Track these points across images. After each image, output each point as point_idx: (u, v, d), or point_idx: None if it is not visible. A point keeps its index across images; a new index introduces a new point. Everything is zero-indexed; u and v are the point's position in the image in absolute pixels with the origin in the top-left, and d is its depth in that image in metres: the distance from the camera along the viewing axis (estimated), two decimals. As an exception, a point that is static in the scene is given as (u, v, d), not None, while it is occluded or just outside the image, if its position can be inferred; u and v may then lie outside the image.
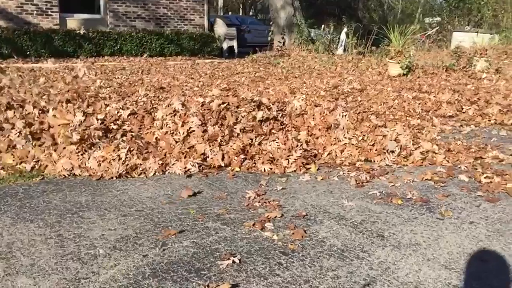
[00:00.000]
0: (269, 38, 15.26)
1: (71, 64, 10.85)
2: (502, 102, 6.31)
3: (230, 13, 36.17)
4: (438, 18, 28.57)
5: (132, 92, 6.12)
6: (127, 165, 3.62)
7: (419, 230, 2.75)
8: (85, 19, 13.23)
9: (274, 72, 10.40)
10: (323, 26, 21.13)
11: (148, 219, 2.80)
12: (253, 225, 2.74)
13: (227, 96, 4.59)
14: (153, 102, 4.49)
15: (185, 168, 3.74)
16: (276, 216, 2.88)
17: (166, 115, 4.11)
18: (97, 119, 3.89)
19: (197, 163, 3.78)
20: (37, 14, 12.38)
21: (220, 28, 16.04)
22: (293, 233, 2.64)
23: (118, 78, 8.47)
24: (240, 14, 36.46)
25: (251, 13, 38.64)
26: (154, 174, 3.66)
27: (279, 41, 14.61)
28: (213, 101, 4.34)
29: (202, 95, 5.81)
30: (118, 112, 4.08)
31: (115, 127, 3.86)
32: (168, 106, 4.22)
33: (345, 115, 4.51)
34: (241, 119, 4.19)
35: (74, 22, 12.96)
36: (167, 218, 2.83)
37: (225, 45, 15.93)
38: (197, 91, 6.67)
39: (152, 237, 2.56)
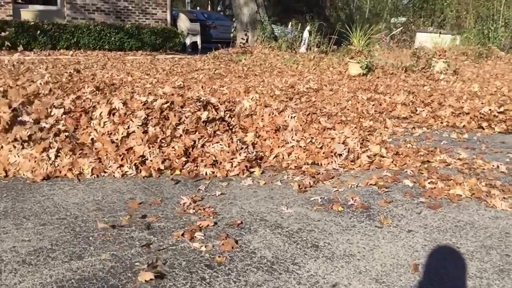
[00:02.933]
0: (231, 35, 15.05)
1: (23, 57, 10.40)
2: (455, 105, 6.34)
3: (198, 8, 35.71)
4: (403, 19, 29.00)
5: (78, 88, 5.85)
6: (57, 166, 3.40)
7: (355, 239, 2.65)
8: (40, 10, 12.73)
9: (234, 70, 10.24)
10: (290, 23, 21.07)
11: (69, 229, 2.60)
12: (182, 235, 2.58)
13: (172, 95, 4.40)
14: (93, 100, 4.26)
15: (122, 171, 3.55)
16: (208, 225, 2.72)
17: (105, 115, 3.89)
18: (28, 117, 3.65)
19: (135, 166, 3.59)
20: (-12, 4, 11.85)
21: (183, 23, 15.76)
22: (223, 244, 2.50)
23: (70, 72, 8.12)
24: (209, 9, 36.07)
25: (219, 9, 38.28)
26: (89, 176, 3.46)
27: (242, 38, 14.44)
28: (156, 100, 4.15)
29: (152, 93, 5.60)
30: (51, 111, 3.84)
31: (47, 125, 3.62)
32: (108, 104, 4.01)
33: (294, 117, 4.40)
34: (184, 120, 4.01)
35: (28, 13, 12.46)
36: (90, 227, 2.64)
37: (188, 41, 15.65)
38: (149, 88, 6.45)
39: (68, 249, 2.37)
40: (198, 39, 15.94)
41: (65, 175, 3.43)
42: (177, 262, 2.29)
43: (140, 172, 3.56)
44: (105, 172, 3.53)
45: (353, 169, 3.98)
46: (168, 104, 4.12)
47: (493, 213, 3.11)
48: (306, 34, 13.94)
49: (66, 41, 12.31)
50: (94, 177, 3.47)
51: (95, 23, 13.16)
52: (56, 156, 3.48)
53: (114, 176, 3.50)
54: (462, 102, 6.48)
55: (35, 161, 3.36)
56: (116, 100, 4.04)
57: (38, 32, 11.85)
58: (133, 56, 12.42)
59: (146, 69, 9.55)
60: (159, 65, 10.55)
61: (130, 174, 3.55)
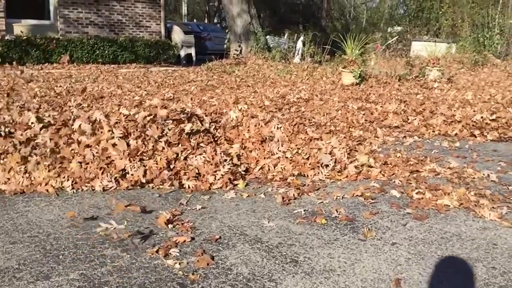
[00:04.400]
0: (225, 46, 15.05)
1: (15, 71, 10.35)
2: (447, 113, 6.27)
3: (195, 20, 35.88)
4: (399, 28, 29.04)
5: (65, 102, 5.79)
6: (33, 179, 3.32)
7: (337, 253, 2.55)
8: (33, 25, 12.72)
9: (227, 81, 10.20)
10: (286, 34, 21.09)
11: (39, 247, 2.51)
12: (157, 251, 2.49)
13: (156, 107, 4.32)
14: (74, 113, 4.19)
15: (102, 185, 3.46)
16: (185, 241, 2.63)
17: (85, 128, 3.81)
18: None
19: (116, 180, 3.51)
20: (-20, 19, 11.83)
21: (178, 35, 15.75)
22: (198, 261, 2.40)
23: (60, 86, 8.06)
24: (206, 21, 36.26)
25: (215, 21, 38.46)
26: (70, 190, 3.37)
27: (235, 49, 14.42)
28: (139, 112, 4.08)
29: (139, 105, 5.54)
30: (32, 123, 3.77)
31: (23, 138, 3.54)
32: (89, 118, 3.94)
33: (280, 127, 4.32)
34: (167, 132, 3.93)
35: (21, 28, 12.43)
36: (62, 245, 2.54)
37: (182, 53, 15.64)
38: (137, 100, 6.38)
39: (36, 268, 2.27)
40: (192, 51, 15.92)
41: (47, 190, 3.35)
42: (148, 281, 2.20)
43: (121, 185, 3.48)
44: (86, 186, 3.44)
45: (340, 180, 3.89)
46: (151, 116, 4.04)
47: (481, 224, 3.02)
48: (299, 44, 13.92)
49: (59, 55, 12.26)
50: (73, 192, 3.39)
51: (88, 37, 13.15)
52: (35, 169, 3.40)
53: (94, 190, 3.41)
54: (454, 110, 6.41)
55: (9, 172, 3.28)
56: (97, 113, 3.96)
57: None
58: (126, 69, 12.38)
59: (138, 81, 9.50)
60: (151, 77, 10.50)
61: (111, 187, 3.47)
